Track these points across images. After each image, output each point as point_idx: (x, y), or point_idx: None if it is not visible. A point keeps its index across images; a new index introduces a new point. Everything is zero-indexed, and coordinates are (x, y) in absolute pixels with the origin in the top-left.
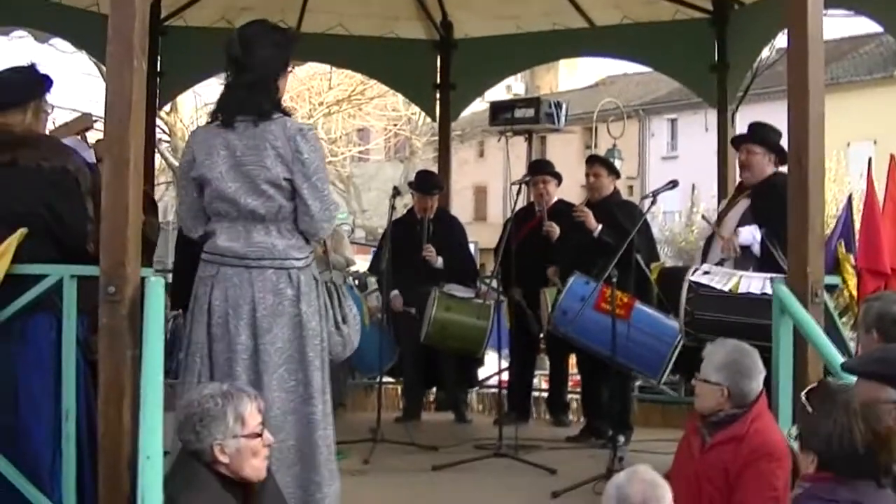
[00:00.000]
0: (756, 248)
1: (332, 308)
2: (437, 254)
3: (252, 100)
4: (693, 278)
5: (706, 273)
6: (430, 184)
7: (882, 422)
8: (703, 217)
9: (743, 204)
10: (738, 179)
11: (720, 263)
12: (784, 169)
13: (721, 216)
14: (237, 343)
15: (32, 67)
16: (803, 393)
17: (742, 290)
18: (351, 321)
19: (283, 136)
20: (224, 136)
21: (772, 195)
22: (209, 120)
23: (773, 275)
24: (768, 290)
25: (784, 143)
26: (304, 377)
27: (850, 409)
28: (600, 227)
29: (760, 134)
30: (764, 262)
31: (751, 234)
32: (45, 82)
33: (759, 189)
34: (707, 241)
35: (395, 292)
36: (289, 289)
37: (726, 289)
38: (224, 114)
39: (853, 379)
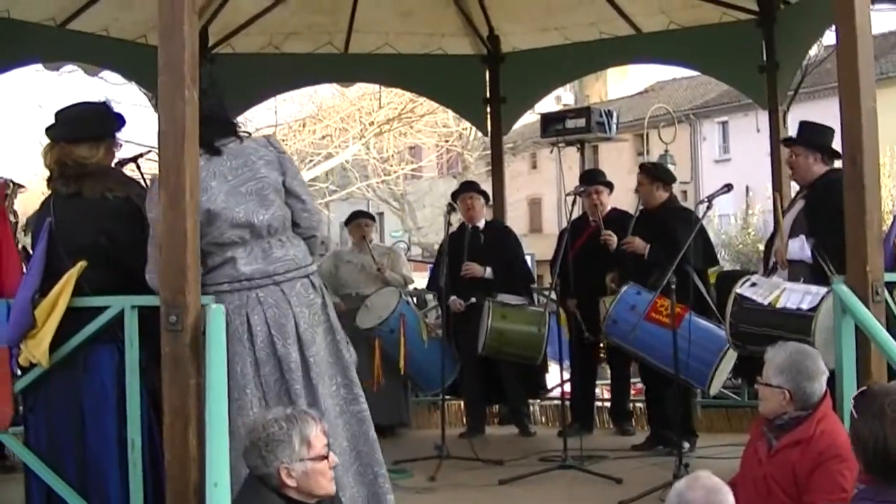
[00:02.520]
0: (808, 259)
1: None
2: (490, 264)
3: (232, 123)
4: (739, 290)
5: (753, 285)
6: (470, 183)
7: None
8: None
9: (798, 206)
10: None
11: (774, 268)
12: (838, 165)
13: (777, 223)
14: (290, 361)
15: (106, 105)
16: (852, 397)
17: (780, 304)
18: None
19: (260, 146)
20: (208, 168)
21: (823, 199)
22: None
23: (815, 288)
24: (804, 306)
25: (836, 140)
26: (343, 379)
27: (884, 416)
28: (648, 247)
29: (803, 134)
30: (816, 271)
31: (798, 248)
32: (119, 120)
33: (811, 190)
34: (768, 245)
35: (453, 297)
36: (317, 298)
37: (766, 302)
38: (210, 144)
39: None
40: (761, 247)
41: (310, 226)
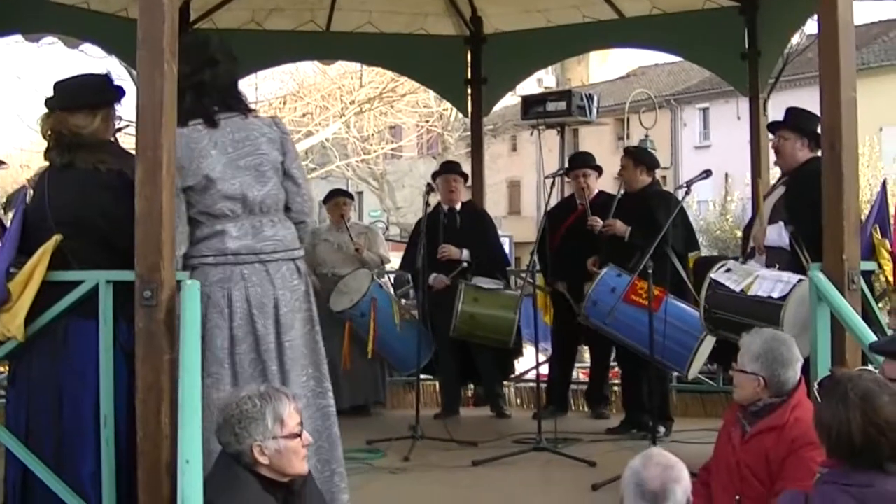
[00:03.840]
0: (786, 246)
1: None
2: (465, 247)
3: (238, 98)
4: (714, 276)
5: (728, 270)
6: (452, 165)
7: (882, 413)
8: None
9: (778, 192)
10: (772, 167)
11: (752, 253)
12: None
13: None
14: (267, 342)
15: (107, 76)
16: (816, 382)
17: (752, 291)
18: None
19: (265, 124)
20: (210, 137)
21: (804, 187)
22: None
23: (786, 275)
24: (775, 294)
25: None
26: (315, 371)
27: (848, 401)
28: (629, 229)
29: (792, 119)
30: (793, 258)
31: (776, 234)
32: (118, 92)
33: (793, 177)
34: (746, 230)
35: (434, 275)
36: (301, 284)
37: (738, 289)
38: (208, 115)
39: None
40: (739, 233)
41: (302, 210)
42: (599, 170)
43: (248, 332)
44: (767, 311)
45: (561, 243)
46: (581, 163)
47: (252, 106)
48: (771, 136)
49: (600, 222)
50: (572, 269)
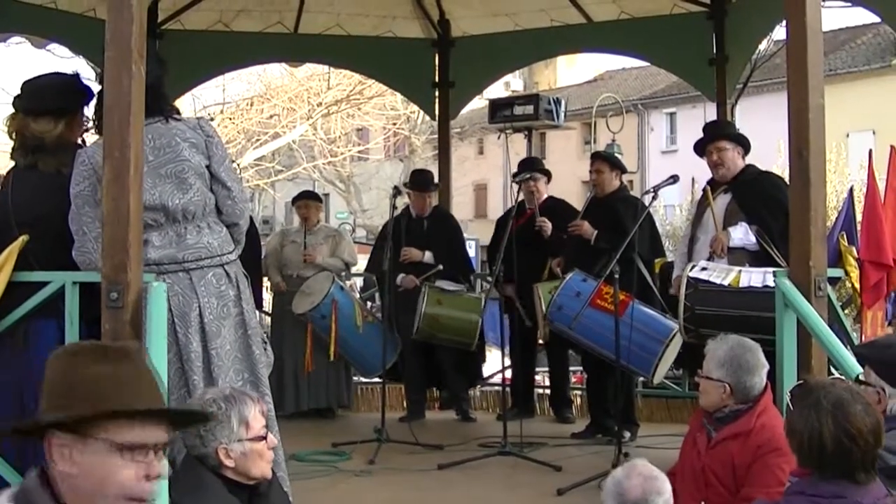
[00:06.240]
0: (750, 246)
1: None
2: (430, 250)
3: (156, 103)
4: (691, 274)
5: (704, 269)
6: (427, 181)
7: (854, 422)
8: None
9: (723, 200)
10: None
11: (711, 258)
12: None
13: (699, 217)
14: (190, 351)
15: (76, 77)
16: (789, 390)
17: (743, 283)
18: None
19: (188, 129)
20: None
21: (755, 190)
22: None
23: (773, 269)
24: (770, 283)
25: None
26: (251, 375)
27: (820, 409)
28: (596, 232)
29: (725, 130)
30: (759, 259)
31: (742, 233)
32: (86, 95)
33: (738, 184)
34: (690, 241)
35: (402, 275)
36: (230, 289)
37: (726, 283)
38: None
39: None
40: None
41: (232, 213)
42: (548, 174)
43: (171, 343)
44: (767, 301)
45: (508, 248)
46: (531, 167)
47: (177, 109)
48: (696, 153)
49: (549, 224)
50: (519, 275)
